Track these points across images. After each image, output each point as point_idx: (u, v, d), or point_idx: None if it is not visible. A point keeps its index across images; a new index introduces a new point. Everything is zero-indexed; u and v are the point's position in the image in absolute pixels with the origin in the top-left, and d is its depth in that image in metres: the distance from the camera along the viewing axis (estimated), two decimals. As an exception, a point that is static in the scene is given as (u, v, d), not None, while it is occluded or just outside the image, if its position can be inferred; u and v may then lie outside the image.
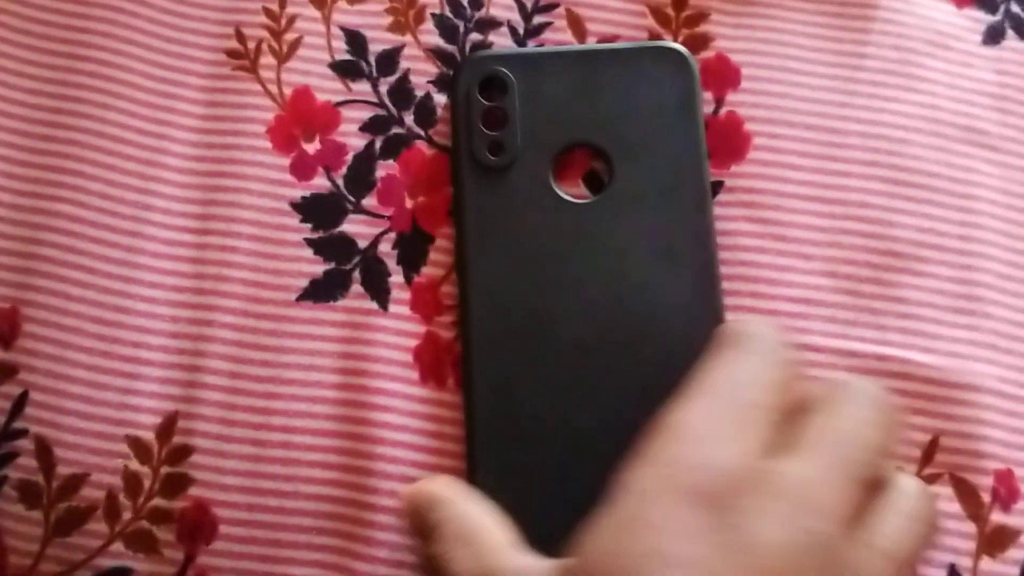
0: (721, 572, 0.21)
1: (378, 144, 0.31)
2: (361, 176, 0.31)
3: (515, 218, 0.30)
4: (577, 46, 0.32)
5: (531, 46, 0.32)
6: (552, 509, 0.25)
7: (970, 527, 0.29)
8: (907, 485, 0.24)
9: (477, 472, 0.28)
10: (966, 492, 0.29)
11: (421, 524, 0.26)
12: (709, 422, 0.23)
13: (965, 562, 0.29)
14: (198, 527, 0.28)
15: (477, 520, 0.25)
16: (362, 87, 0.32)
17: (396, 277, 0.30)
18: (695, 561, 0.21)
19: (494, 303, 0.29)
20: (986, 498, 0.29)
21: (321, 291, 0.30)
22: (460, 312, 0.29)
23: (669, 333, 0.29)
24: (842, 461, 0.23)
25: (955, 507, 0.29)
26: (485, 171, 0.30)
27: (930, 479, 0.29)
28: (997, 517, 0.29)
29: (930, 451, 0.29)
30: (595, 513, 0.23)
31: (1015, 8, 0.33)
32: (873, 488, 0.23)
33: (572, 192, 0.30)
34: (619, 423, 0.26)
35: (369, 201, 0.31)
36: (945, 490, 0.29)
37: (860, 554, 0.22)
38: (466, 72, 0.31)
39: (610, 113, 0.31)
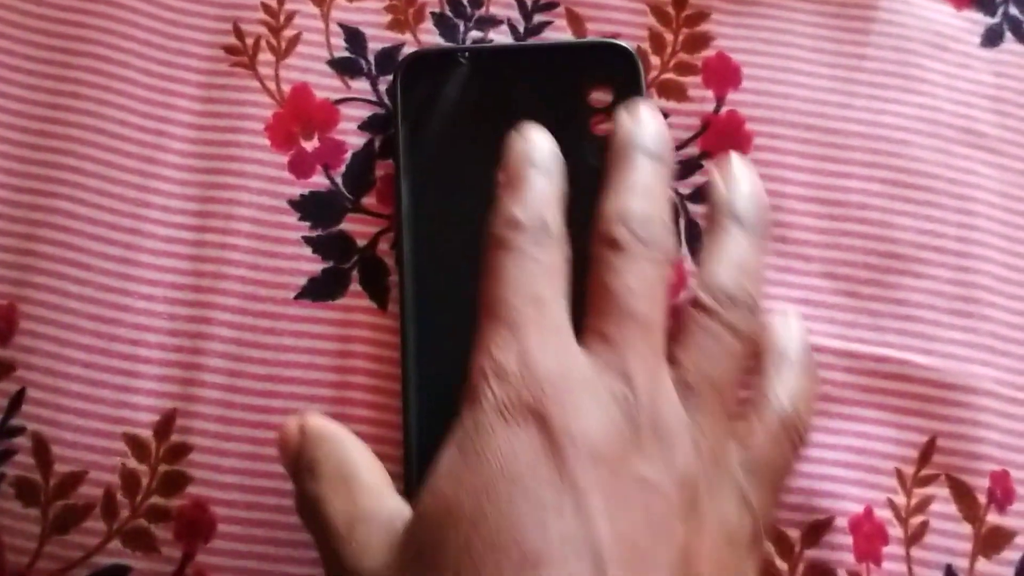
0: (547, 477, 0.21)
1: (377, 143, 0.31)
2: (360, 174, 0.31)
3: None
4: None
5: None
6: None
7: (966, 528, 0.29)
8: None
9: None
10: (962, 493, 0.29)
11: (297, 460, 0.25)
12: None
13: (961, 563, 0.29)
14: (196, 525, 0.28)
15: (354, 461, 0.25)
16: (361, 85, 0.32)
17: (395, 276, 0.30)
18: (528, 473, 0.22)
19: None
20: (982, 499, 0.29)
21: (320, 290, 0.30)
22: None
23: None
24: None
25: (951, 508, 0.29)
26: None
27: (927, 480, 0.29)
28: (993, 518, 0.29)
29: (927, 452, 0.29)
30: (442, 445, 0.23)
31: (1013, 11, 0.33)
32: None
33: None
34: None
35: (368, 200, 0.31)
36: (942, 491, 0.29)
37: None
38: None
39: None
